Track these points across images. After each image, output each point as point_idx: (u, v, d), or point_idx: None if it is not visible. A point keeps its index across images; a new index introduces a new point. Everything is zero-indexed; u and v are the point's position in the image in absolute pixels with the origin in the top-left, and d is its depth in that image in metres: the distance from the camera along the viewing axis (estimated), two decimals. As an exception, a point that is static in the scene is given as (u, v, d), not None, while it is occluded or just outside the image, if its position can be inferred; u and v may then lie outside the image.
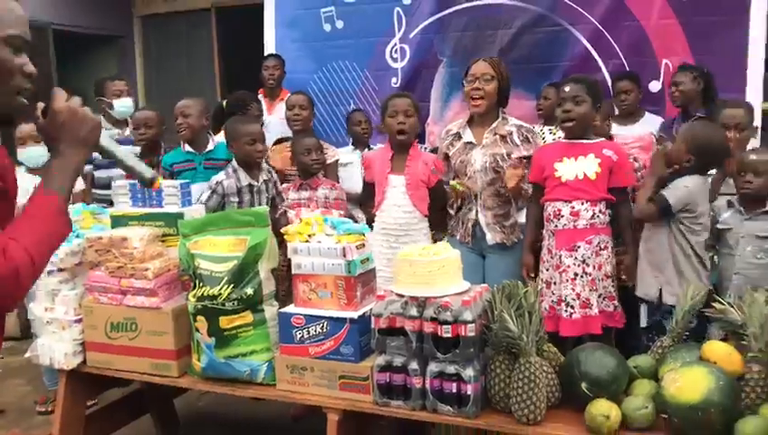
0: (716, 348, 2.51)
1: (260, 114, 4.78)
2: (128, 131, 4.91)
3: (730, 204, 3.27)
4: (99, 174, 4.70)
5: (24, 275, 1.52)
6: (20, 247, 1.52)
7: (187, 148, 4.17)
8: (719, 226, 3.27)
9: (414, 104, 3.73)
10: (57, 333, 3.28)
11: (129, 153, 1.81)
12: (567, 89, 3.27)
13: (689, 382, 2.33)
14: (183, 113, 4.13)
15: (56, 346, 3.28)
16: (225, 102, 4.84)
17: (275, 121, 5.26)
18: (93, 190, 4.69)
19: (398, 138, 3.69)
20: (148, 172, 1.78)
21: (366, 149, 4.73)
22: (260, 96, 5.56)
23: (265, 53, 5.71)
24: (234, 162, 3.85)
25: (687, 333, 2.87)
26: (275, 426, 4.07)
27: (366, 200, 3.84)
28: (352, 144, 4.98)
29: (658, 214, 3.15)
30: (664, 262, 3.19)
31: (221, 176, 3.80)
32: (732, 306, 2.55)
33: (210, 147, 4.17)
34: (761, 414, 2.32)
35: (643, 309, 3.51)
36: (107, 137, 1.73)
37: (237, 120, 4.03)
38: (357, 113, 5.01)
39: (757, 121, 4.64)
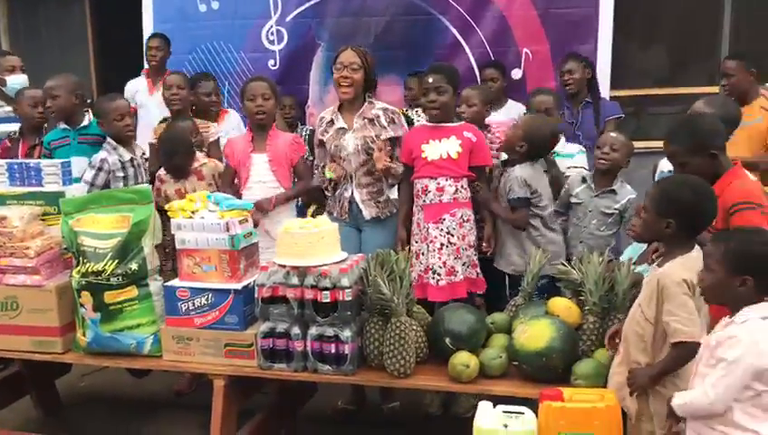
0: (559, 303, 2.90)
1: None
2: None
3: (584, 180, 3.68)
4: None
5: None
6: None
7: (63, 125, 4.14)
8: (571, 199, 3.68)
9: (271, 87, 3.92)
10: (-72, 315, 3.24)
11: None
12: (430, 80, 3.56)
13: (535, 333, 2.70)
14: (51, 95, 4.09)
15: (-72, 329, 3.23)
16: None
17: (155, 103, 5.27)
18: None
19: (256, 118, 3.88)
20: None
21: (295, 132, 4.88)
22: (143, 75, 5.53)
23: (144, 33, 5.66)
24: (109, 139, 3.91)
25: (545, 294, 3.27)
26: (159, 402, 4.15)
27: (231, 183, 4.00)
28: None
29: (523, 209, 3.55)
30: (523, 239, 3.60)
31: (103, 154, 3.84)
32: (573, 267, 2.93)
33: (85, 122, 4.17)
34: (594, 357, 2.71)
35: (507, 280, 3.89)
36: None
37: (103, 98, 4.09)
38: (284, 98, 5.09)
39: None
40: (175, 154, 3.99)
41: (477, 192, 3.63)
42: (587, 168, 4.03)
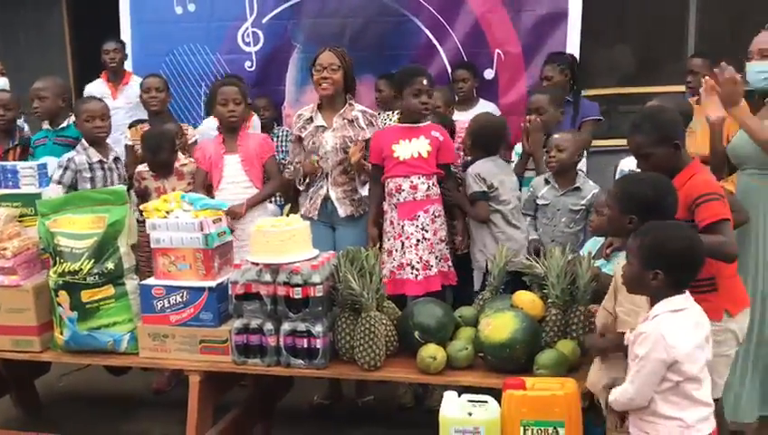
0: (523, 296, 3.00)
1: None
2: None
3: (547, 181, 3.79)
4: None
5: None
6: None
7: (46, 125, 4.22)
8: (538, 201, 3.79)
9: (242, 92, 4.03)
10: None
11: None
12: (425, 82, 3.66)
13: (499, 325, 2.79)
14: (38, 96, 4.16)
15: None
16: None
17: (122, 106, 5.31)
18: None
19: (229, 122, 3.97)
20: None
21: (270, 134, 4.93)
22: (101, 80, 5.54)
23: (122, 35, 5.70)
24: (83, 141, 3.97)
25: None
26: (138, 401, 4.21)
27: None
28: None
29: (484, 203, 3.69)
30: (485, 236, 3.72)
31: (72, 153, 3.91)
32: (537, 262, 3.03)
33: (63, 124, 4.22)
34: (556, 348, 2.81)
35: (476, 275, 4.00)
36: None
37: (81, 99, 4.15)
38: (258, 99, 5.14)
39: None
40: (160, 150, 4.04)
41: (448, 190, 3.73)
42: (583, 169, 4.11)
